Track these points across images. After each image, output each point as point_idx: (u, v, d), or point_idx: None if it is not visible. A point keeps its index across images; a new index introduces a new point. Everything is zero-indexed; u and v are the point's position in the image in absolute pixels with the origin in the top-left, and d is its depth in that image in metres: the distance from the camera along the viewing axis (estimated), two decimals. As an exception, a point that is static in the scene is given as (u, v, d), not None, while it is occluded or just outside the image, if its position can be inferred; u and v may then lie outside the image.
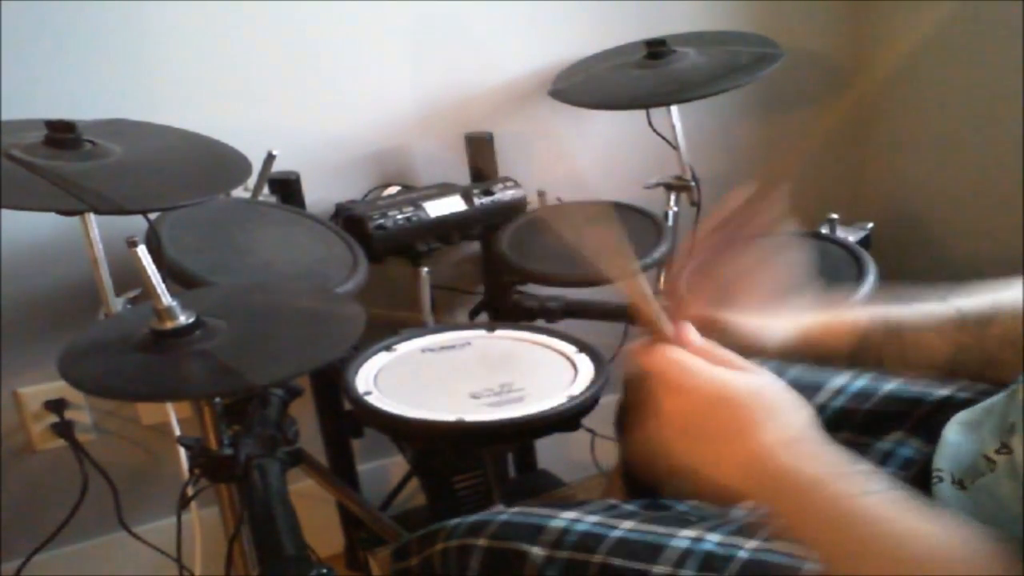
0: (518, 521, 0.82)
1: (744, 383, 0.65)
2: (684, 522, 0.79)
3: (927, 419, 0.87)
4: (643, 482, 1.02)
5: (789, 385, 0.93)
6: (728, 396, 0.64)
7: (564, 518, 0.81)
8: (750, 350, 0.79)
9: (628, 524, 0.79)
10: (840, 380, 0.95)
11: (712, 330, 0.75)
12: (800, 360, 0.89)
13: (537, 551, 0.78)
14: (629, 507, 0.83)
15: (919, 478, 0.79)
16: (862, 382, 0.95)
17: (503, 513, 0.84)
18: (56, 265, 1.42)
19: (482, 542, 0.81)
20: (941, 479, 0.76)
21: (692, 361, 0.66)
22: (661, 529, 0.78)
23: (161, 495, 1.58)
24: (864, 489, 0.61)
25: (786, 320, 0.85)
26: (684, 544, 0.76)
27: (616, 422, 1.07)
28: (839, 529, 0.60)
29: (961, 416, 0.82)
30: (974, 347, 0.79)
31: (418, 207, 1.45)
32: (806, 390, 0.93)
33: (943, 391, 0.90)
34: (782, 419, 0.65)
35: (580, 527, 0.79)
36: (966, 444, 0.76)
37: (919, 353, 0.81)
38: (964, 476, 0.74)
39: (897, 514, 0.59)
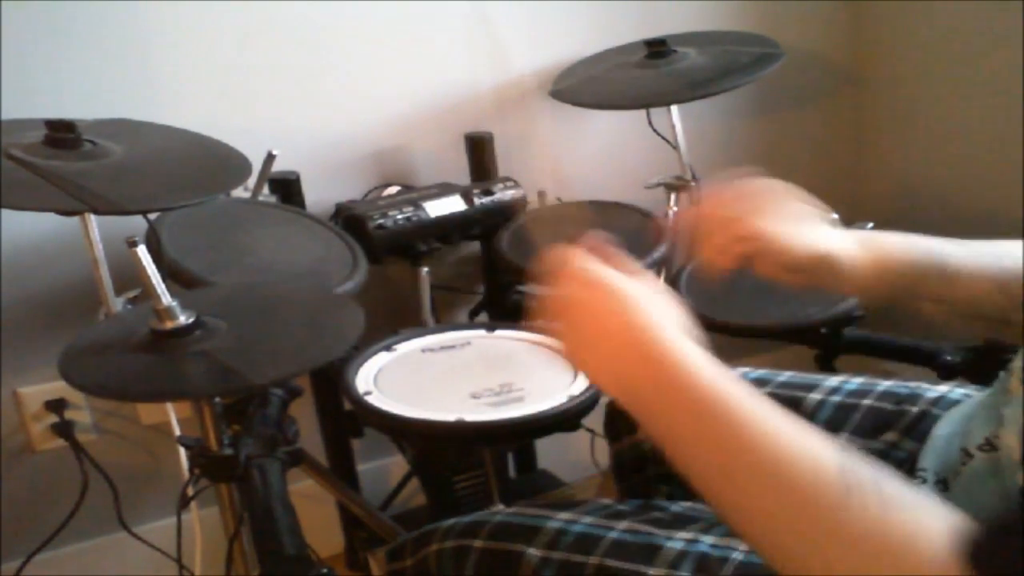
0: (514, 522, 0.82)
1: (628, 284, 0.66)
2: (679, 523, 0.79)
3: (921, 419, 0.87)
4: (635, 485, 1.02)
5: (782, 385, 0.94)
6: (613, 295, 0.65)
7: (560, 519, 0.81)
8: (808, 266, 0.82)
9: (623, 525, 0.79)
10: (834, 380, 0.96)
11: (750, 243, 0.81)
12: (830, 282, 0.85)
13: (533, 552, 0.78)
14: (623, 507, 0.83)
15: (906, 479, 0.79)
16: (856, 383, 0.95)
17: (499, 514, 0.84)
18: (56, 265, 1.42)
19: (478, 543, 0.81)
20: (924, 480, 0.76)
21: (590, 266, 0.68)
22: (657, 530, 0.78)
23: (161, 495, 1.58)
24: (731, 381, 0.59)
25: (839, 234, 0.83)
26: (679, 545, 0.76)
27: (606, 425, 1.07)
28: (703, 414, 0.57)
29: (955, 410, 0.82)
30: None
31: (418, 207, 1.45)
32: (800, 388, 0.94)
33: (936, 392, 0.90)
34: (656, 315, 0.64)
35: (576, 528, 0.80)
36: (954, 439, 0.76)
37: (970, 303, 0.80)
38: (948, 474, 0.74)
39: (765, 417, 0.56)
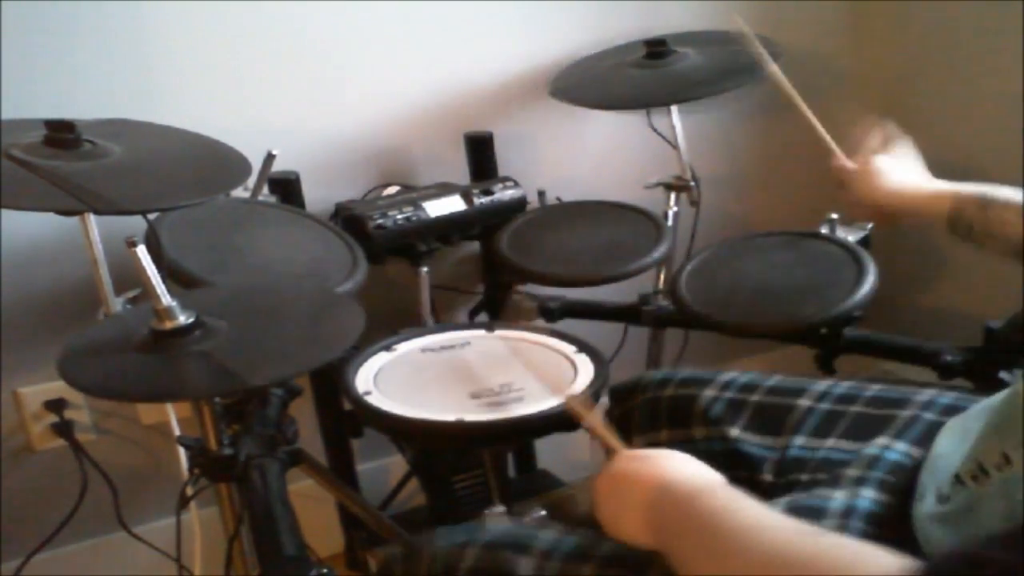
0: (500, 540, 0.80)
1: (651, 454, 0.75)
2: None
3: (913, 422, 0.86)
4: None
5: (770, 391, 0.94)
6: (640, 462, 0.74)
7: (548, 538, 0.79)
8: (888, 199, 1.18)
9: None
10: (822, 385, 0.96)
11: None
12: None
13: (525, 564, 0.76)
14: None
15: (906, 489, 0.78)
16: (844, 387, 0.95)
17: (478, 542, 0.81)
18: (56, 265, 1.42)
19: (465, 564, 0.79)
20: (923, 496, 0.75)
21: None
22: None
23: (161, 495, 1.58)
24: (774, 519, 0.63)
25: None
26: None
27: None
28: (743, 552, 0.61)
29: (953, 423, 0.82)
30: None
31: (418, 207, 1.45)
32: (788, 394, 0.94)
33: (925, 395, 0.90)
34: (686, 469, 0.72)
35: (566, 546, 0.78)
36: (957, 454, 0.75)
37: (1002, 229, 0.98)
38: (951, 490, 0.73)
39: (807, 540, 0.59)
